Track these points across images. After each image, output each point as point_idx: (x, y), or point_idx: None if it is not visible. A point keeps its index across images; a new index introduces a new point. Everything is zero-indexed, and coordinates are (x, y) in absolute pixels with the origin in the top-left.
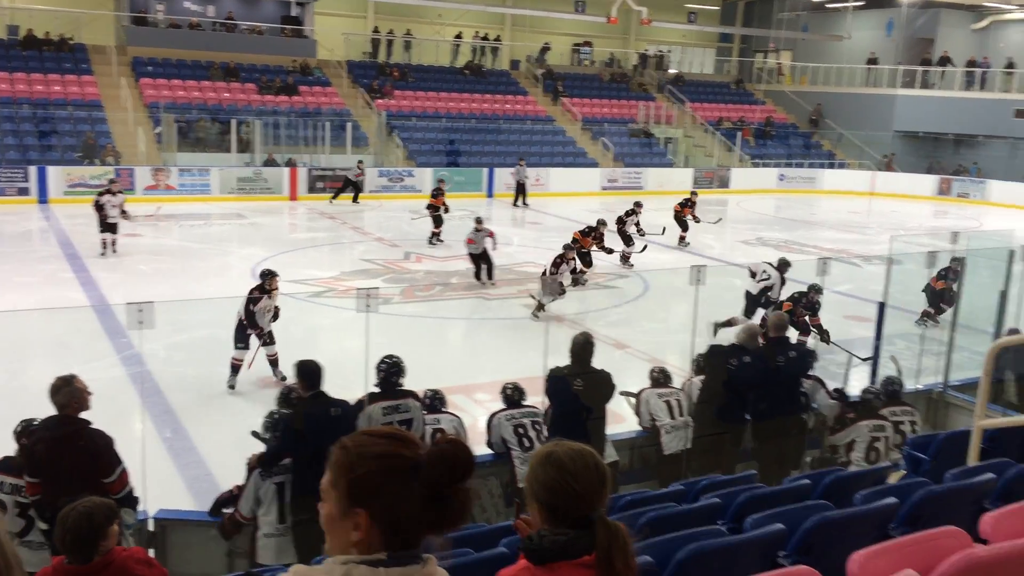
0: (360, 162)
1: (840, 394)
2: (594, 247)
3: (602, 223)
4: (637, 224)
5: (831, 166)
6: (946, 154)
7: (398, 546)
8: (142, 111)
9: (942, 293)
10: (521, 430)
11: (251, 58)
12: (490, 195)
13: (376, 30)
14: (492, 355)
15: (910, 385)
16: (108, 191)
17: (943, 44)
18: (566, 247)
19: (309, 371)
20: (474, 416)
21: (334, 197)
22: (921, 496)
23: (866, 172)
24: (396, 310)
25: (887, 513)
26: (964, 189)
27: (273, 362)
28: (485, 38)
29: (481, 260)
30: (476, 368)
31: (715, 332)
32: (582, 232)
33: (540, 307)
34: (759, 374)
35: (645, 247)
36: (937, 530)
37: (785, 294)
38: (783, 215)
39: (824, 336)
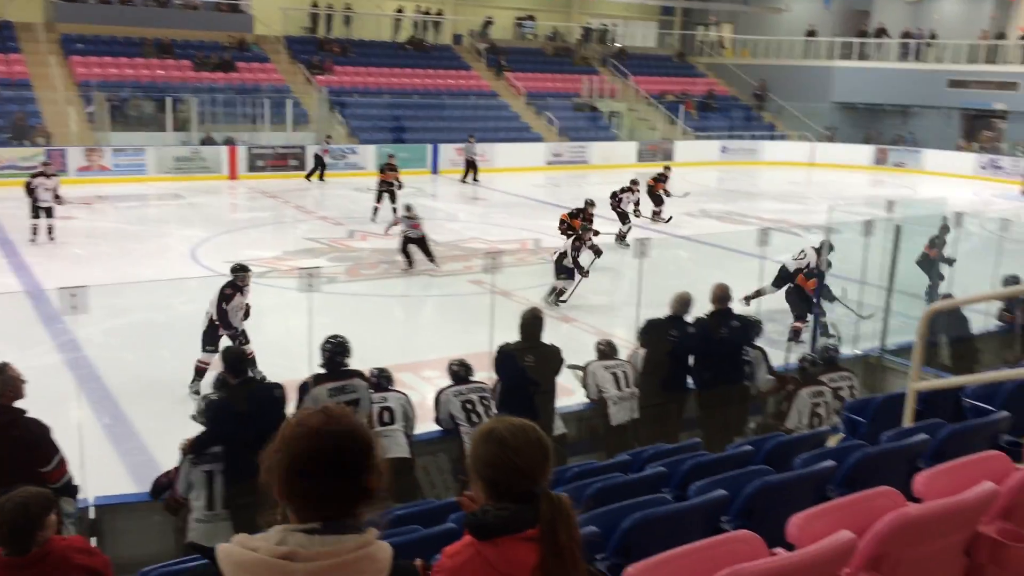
0: (328, 137)
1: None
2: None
3: (590, 203)
4: (637, 203)
5: (772, 138)
6: (883, 124)
7: (331, 516)
8: (73, 90)
9: (934, 261)
10: (469, 406)
11: (186, 34)
12: (435, 171)
13: (315, 4)
14: (439, 332)
15: (848, 351)
16: (41, 173)
17: (879, 16)
18: (584, 228)
19: (234, 358)
20: (422, 394)
21: (309, 175)
22: (858, 458)
23: (806, 143)
24: (341, 289)
25: (825, 476)
26: (900, 159)
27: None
28: (427, 12)
29: (419, 244)
30: (423, 345)
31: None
32: (570, 214)
33: (560, 293)
34: (703, 344)
35: (670, 218)
36: (872, 491)
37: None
38: (726, 187)
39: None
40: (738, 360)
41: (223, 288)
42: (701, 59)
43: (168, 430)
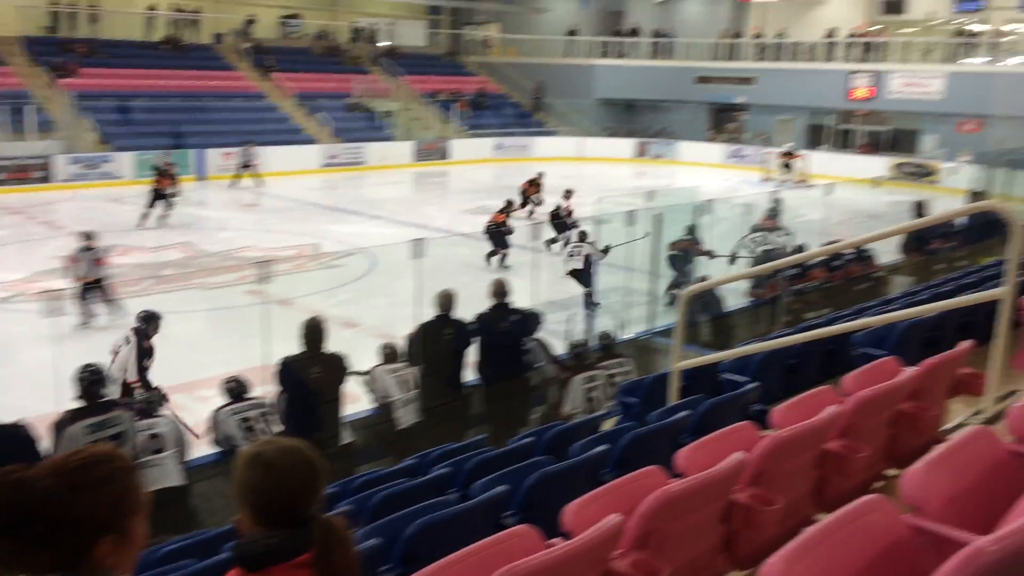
0: (250, 143)
1: (556, 359)
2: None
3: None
4: (569, 212)
5: (541, 134)
6: (642, 119)
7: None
8: None
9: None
10: (248, 424)
11: None
12: (202, 177)
13: (56, 2)
14: (213, 348)
15: (623, 335)
16: None
17: (632, 16)
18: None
19: None
20: (199, 415)
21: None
22: (628, 439)
23: (573, 139)
24: (100, 309)
25: (600, 460)
26: (659, 151)
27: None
28: (181, 10)
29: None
30: (196, 363)
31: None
32: (498, 211)
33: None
34: (484, 340)
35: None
36: (640, 471)
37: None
38: (502, 183)
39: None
40: (519, 352)
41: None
42: (471, 58)
43: None
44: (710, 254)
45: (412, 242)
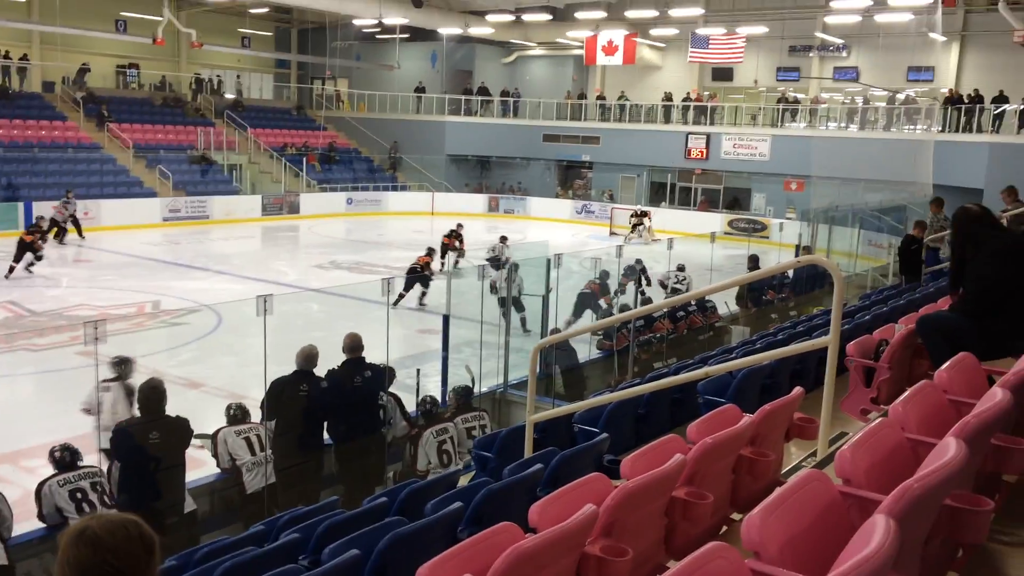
0: (68, 191)
1: (408, 416)
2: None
3: (460, 226)
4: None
5: (394, 189)
6: (493, 175)
7: None
8: None
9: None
10: (80, 495)
11: None
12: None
13: None
14: (41, 414)
15: (477, 389)
16: None
17: (480, 75)
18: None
19: None
20: (25, 487)
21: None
22: (483, 495)
23: (426, 193)
24: None
25: (455, 517)
26: (509, 206)
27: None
28: (7, 56)
29: None
30: (22, 431)
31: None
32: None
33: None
34: (337, 396)
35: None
36: (494, 528)
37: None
38: (353, 237)
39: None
40: (374, 408)
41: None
42: (320, 112)
43: None
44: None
45: (260, 298)
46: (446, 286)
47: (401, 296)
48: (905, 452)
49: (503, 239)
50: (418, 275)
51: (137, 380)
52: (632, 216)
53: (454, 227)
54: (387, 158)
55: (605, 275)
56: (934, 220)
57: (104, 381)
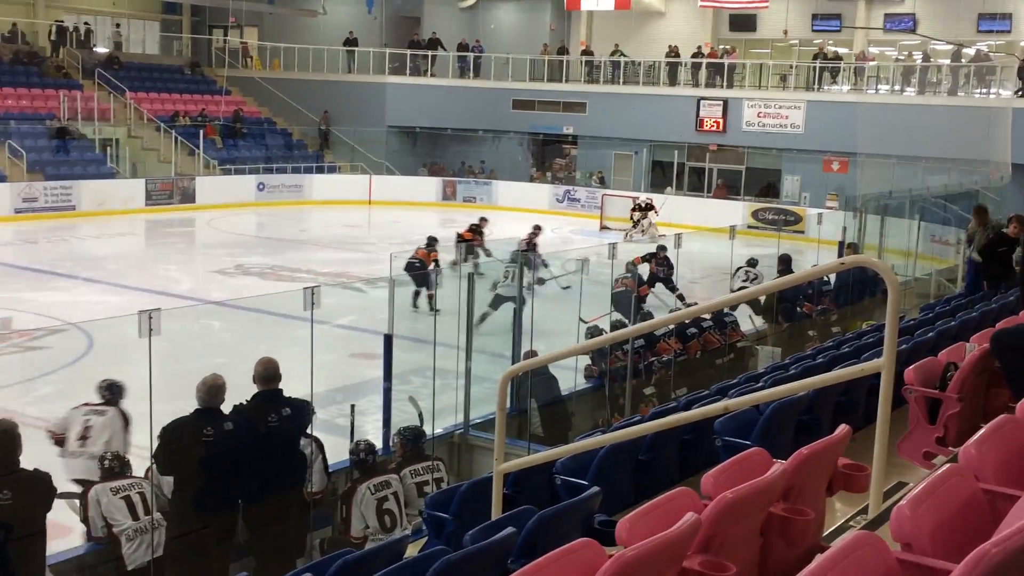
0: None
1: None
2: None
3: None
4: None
5: (320, 170)
6: (449, 153)
7: None
8: None
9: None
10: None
11: None
12: None
13: None
14: None
15: (429, 430)
16: None
17: (431, 24)
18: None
19: None
20: None
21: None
22: (439, 569)
23: (362, 177)
24: None
25: None
26: (470, 192)
27: None
28: None
29: None
30: None
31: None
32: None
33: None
34: (247, 443)
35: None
36: None
37: None
38: (267, 234)
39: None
40: (293, 457)
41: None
42: (222, 72)
43: None
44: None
45: (143, 313)
46: (389, 296)
47: (419, 294)
48: (980, 507)
49: (536, 229)
50: (418, 270)
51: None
52: (634, 209)
53: (476, 222)
54: (314, 132)
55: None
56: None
57: (89, 405)
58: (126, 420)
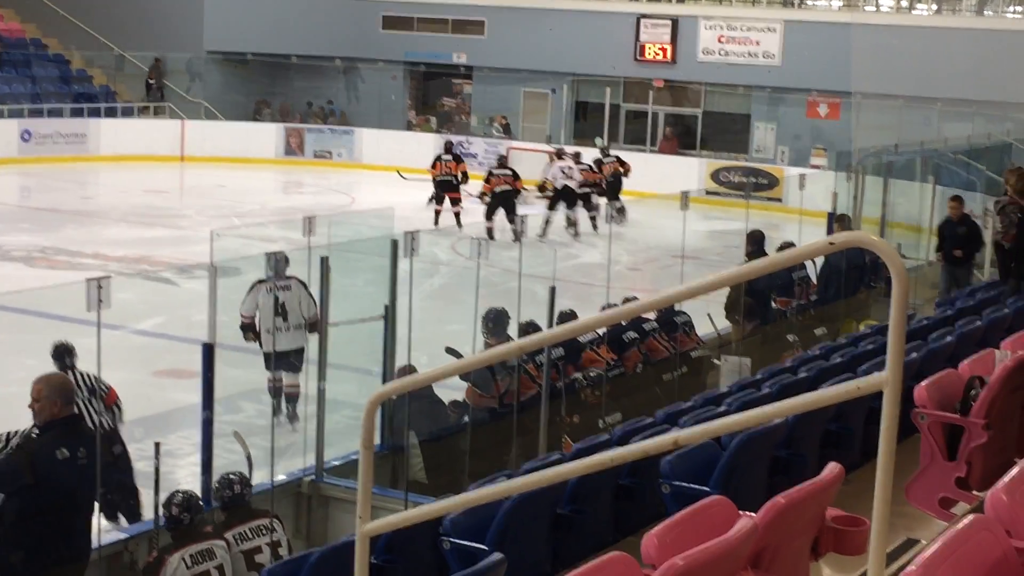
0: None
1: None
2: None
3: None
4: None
5: (111, 113)
6: (291, 90)
7: None
8: None
9: None
10: None
11: None
12: None
13: None
14: None
15: (264, 478)
16: None
17: None
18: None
19: None
20: None
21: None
22: None
23: (171, 122)
24: None
25: None
26: (324, 145)
27: None
28: None
29: None
30: None
31: None
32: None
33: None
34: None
35: None
36: None
37: None
38: (35, 203)
39: None
40: (87, 511)
41: None
42: None
43: None
44: None
45: None
46: (209, 290)
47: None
48: (1012, 571)
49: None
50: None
51: None
52: (553, 155)
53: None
54: (145, 86)
55: None
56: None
57: None
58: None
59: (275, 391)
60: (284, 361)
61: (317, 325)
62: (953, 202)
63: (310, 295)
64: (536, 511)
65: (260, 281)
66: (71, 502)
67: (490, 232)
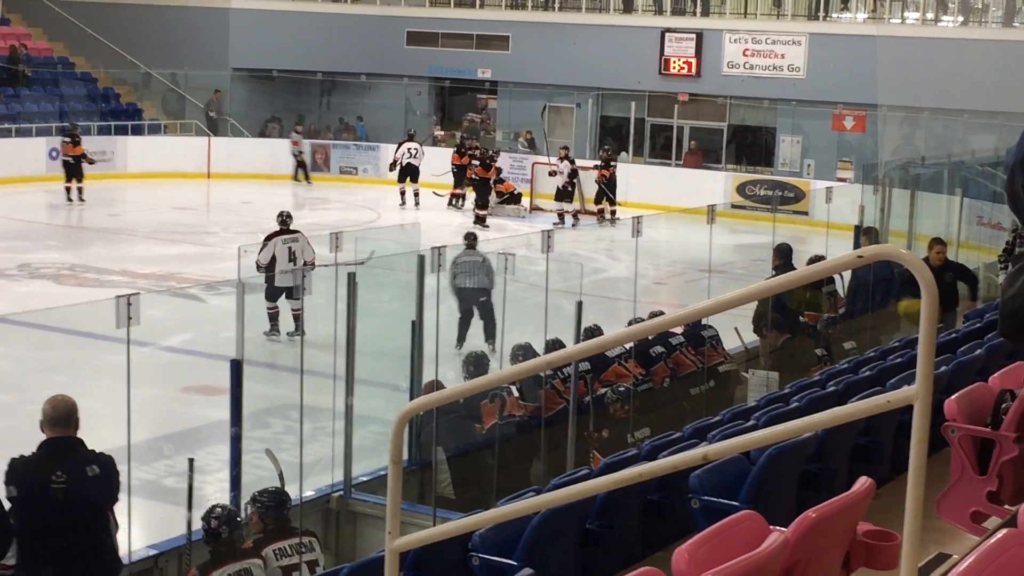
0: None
1: None
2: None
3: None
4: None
5: (138, 131)
6: (316, 107)
7: None
8: None
9: None
10: None
11: None
12: None
13: None
14: None
15: (293, 495)
16: None
17: None
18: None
19: None
20: None
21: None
22: None
23: (197, 139)
24: None
25: None
26: (349, 161)
27: None
28: None
29: None
30: None
31: None
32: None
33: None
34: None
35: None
36: None
37: None
38: (64, 220)
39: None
40: (94, 538)
41: None
42: None
43: None
44: None
45: None
46: (238, 305)
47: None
48: None
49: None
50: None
51: None
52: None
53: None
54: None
55: None
56: None
57: None
58: None
59: (272, 317)
60: (288, 293)
61: (314, 264)
62: (938, 246)
63: (308, 243)
64: (564, 526)
65: (275, 234)
66: (78, 521)
67: (483, 220)
